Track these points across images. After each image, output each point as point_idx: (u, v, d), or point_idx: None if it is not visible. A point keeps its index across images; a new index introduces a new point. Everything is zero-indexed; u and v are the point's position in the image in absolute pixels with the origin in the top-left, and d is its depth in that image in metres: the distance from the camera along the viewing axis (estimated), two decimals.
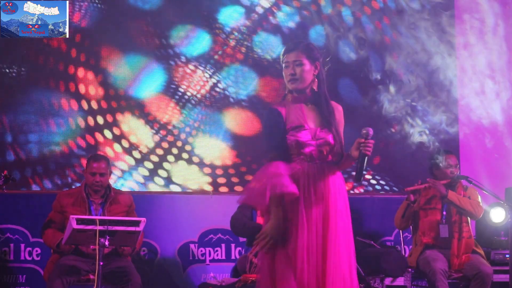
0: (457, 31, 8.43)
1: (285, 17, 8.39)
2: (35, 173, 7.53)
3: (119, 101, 7.79)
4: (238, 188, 7.98)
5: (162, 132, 7.87)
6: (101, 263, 5.98)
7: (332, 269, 4.25)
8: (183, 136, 7.93)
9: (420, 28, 7.99)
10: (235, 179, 8.01)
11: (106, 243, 6.00)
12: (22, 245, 7.33)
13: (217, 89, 8.09)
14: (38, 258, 7.32)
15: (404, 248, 7.55)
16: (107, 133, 7.73)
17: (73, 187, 7.33)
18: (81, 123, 7.68)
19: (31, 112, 7.57)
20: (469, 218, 7.06)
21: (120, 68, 7.83)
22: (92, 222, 6.03)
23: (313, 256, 4.26)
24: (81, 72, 7.71)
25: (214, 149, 8.03)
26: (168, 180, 7.83)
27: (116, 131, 7.75)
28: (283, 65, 4.48)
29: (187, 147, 7.93)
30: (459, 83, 8.27)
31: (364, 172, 4.42)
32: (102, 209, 6.70)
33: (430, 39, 7.80)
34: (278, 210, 4.28)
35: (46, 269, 6.64)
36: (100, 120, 7.73)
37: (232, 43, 8.18)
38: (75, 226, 6.00)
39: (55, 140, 7.61)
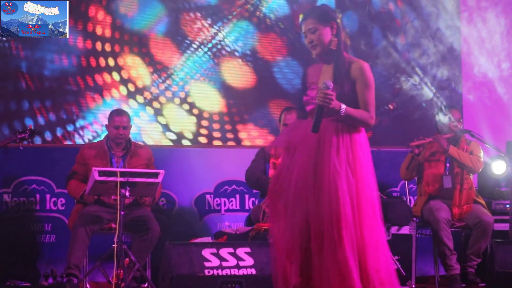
0: None
1: None
2: (59, 128, 7.59)
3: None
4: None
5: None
6: (122, 213, 6.05)
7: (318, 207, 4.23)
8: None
9: None
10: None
11: (127, 193, 6.09)
12: (48, 196, 7.40)
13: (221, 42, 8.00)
14: (63, 208, 7.38)
15: (409, 199, 7.58)
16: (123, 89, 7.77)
17: (96, 140, 7.35)
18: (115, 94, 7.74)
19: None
20: None
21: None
22: (114, 174, 6.11)
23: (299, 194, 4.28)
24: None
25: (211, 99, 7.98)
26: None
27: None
28: (303, 34, 4.46)
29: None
30: (463, 40, 8.19)
31: (320, 122, 4.25)
32: (122, 162, 6.75)
33: None
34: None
35: (71, 218, 6.71)
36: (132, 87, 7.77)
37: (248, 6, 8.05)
38: (97, 177, 6.08)
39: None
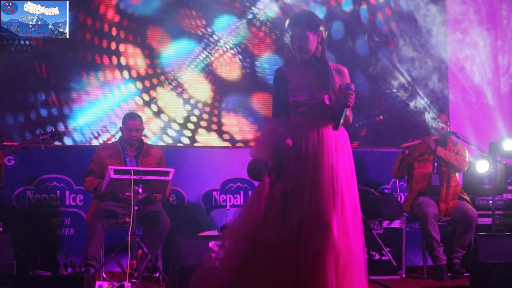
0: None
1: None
2: (70, 120, 7.71)
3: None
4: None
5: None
6: (136, 208, 6.11)
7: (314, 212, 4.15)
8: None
9: None
10: None
11: (140, 190, 6.15)
12: (67, 192, 7.45)
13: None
14: (81, 204, 7.44)
15: (400, 195, 7.65)
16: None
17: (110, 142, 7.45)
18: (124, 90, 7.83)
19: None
20: None
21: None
22: (128, 172, 6.17)
23: (302, 196, 4.19)
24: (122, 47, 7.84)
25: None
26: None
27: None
28: (289, 36, 4.38)
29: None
30: (450, 50, 8.22)
31: (342, 121, 4.26)
32: (136, 161, 6.79)
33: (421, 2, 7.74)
34: (274, 154, 4.29)
35: (88, 213, 6.79)
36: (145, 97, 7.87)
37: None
38: (112, 175, 6.14)
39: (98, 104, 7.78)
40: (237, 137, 8.01)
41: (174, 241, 5.76)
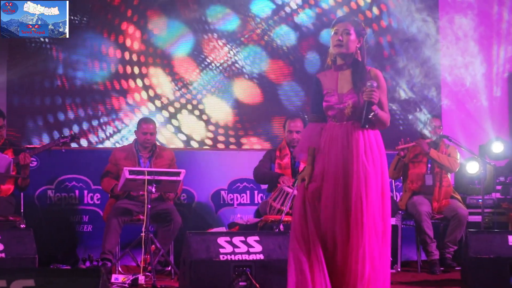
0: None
1: (306, 19, 8.22)
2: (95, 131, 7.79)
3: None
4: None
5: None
6: (149, 206, 6.12)
7: (353, 212, 4.17)
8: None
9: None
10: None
11: (153, 190, 6.18)
12: (85, 191, 7.52)
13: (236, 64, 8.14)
14: (98, 202, 7.49)
15: (396, 194, 7.65)
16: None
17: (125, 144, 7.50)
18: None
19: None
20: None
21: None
22: (142, 173, 6.20)
23: (331, 196, 4.23)
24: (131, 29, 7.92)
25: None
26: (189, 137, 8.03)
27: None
28: (332, 32, 4.35)
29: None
30: (442, 59, 8.23)
31: (369, 118, 4.17)
32: (149, 162, 6.85)
33: (413, 5, 7.75)
34: (308, 159, 4.36)
35: (105, 211, 6.86)
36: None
37: (258, 31, 8.15)
38: (127, 176, 6.19)
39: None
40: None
41: (184, 237, 5.68)
